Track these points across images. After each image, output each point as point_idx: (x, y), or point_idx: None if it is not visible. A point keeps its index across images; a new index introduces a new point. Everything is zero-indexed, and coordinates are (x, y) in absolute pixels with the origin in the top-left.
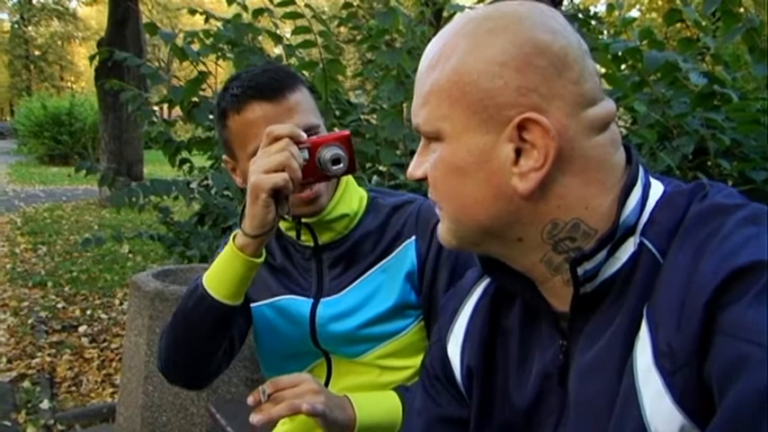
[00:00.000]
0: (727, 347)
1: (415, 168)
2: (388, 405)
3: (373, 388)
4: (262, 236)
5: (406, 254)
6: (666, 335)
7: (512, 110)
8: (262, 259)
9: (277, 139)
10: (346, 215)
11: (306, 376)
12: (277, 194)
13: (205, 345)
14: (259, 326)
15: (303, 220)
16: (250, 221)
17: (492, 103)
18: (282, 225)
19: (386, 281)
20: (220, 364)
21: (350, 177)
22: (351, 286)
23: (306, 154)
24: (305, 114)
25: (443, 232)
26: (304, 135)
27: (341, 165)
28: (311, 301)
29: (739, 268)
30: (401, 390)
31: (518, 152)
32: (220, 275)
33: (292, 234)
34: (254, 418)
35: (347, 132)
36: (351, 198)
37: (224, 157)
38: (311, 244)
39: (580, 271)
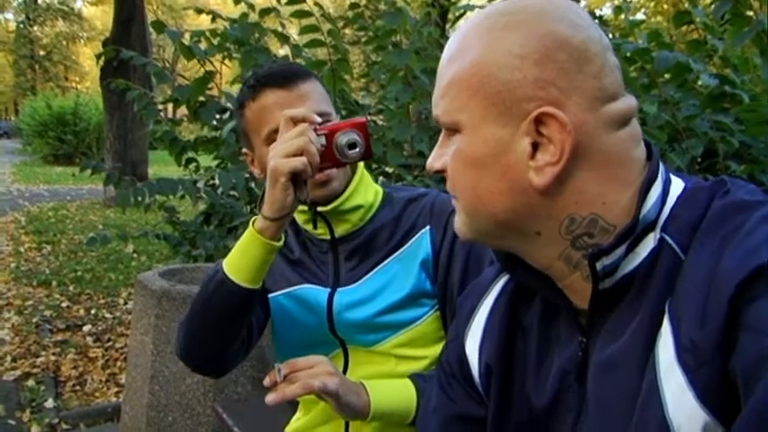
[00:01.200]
0: (753, 343)
1: (435, 160)
2: (402, 393)
3: (391, 377)
4: (281, 219)
5: (420, 243)
6: (689, 330)
7: (530, 103)
8: (281, 243)
9: (293, 120)
10: (361, 206)
11: (322, 358)
12: (296, 178)
13: (226, 328)
14: (277, 316)
15: (319, 209)
16: (270, 205)
17: (510, 96)
18: (299, 218)
19: (401, 270)
20: (239, 351)
21: (365, 172)
22: (366, 276)
23: (323, 140)
24: (317, 101)
25: (459, 224)
26: (318, 119)
27: (357, 149)
28: (328, 290)
29: (764, 264)
30: (416, 378)
31: (535, 146)
32: (240, 259)
33: (309, 227)
34: (269, 398)
35: (363, 119)
36: (366, 190)
37: (243, 150)
38: (328, 237)
39: (599, 266)
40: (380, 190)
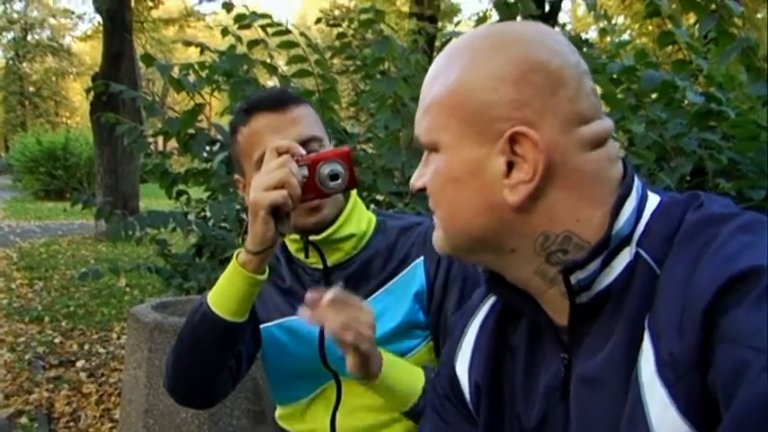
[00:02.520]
0: (729, 354)
1: (417, 179)
2: (411, 377)
3: (384, 410)
4: (263, 252)
5: (414, 274)
6: (668, 344)
7: (505, 123)
8: (265, 276)
9: (278, 152)
10: (354, 235)
11: (370, 309)
12: (276, 212)
13: (211, 361)
14: (268, 347)
15: (311, 238)
16: (251, 238)
17: (487, 116)
18: (291, 246)
19: (393, 301)
20: (226, 382)
21: (357, 200)
22: None
23: (305, 171)
24: (309, 126)
25: (438, 239)
26: (302, 151)
27: (338, 181)
28: None
29: (737, 274)
30: (428, 369)
31: (510, 165)
32: (223, 292)
33: (301, 255)
34: (305, 313)
35: (347, 148)
36: (359, 219)
37: (235, 176)
38: (320, 266)
39: (573, 280)
40: (373, 218)
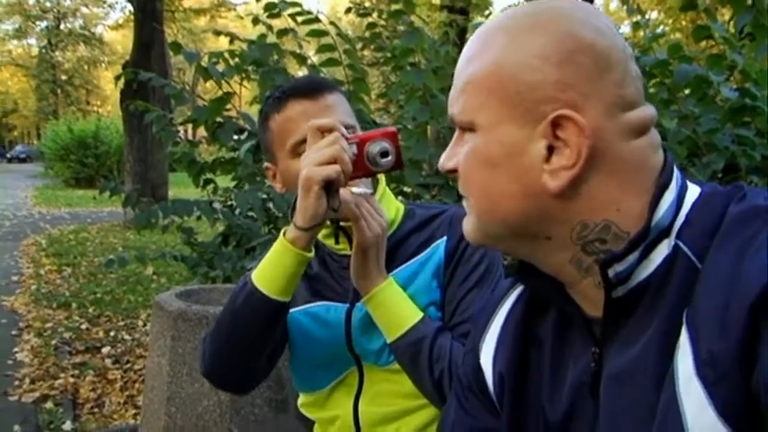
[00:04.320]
0: None
1: (447, 159)
2: (409, 306)
3: (406, 396)
4: (313, 228)
5: (435, 251)
6: (708, 342)
7: (548, 105)
8: (312, 254)
9: (321, 130)
10: None
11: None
12: (329, 187)
13: (254, 342)
14: (293, 333)
15: (342, 223)
16: (302, 214)
17: (529, 97)
18: (321, 232)
19: (413, 277)
20: (264, 367)
21: (386, 188)
22: None
23: (354, 149)
24: (342, 113)
25: (469, 227)
26: (344, 130)
27: (389, 158)
28: (347, 305)
29: None
30: (428, 319)
31: (551, 149)
32: (270, 271)
33: (330, 242)
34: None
35: (394, 129)
36: (388, 206)
37: (265, 164)
38: (348, 252)
39: (611, 273)
40: (402, 206)
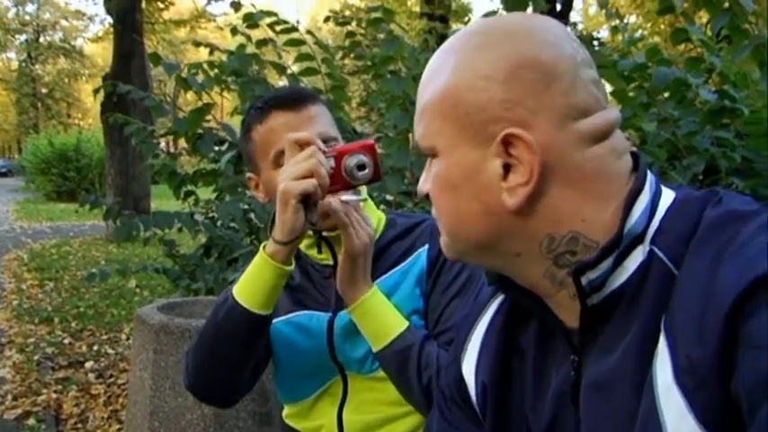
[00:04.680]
0: (754, 360)
1: (423, 184)
2: (395, 316)
3: (390, 404)
4: (291, 242)
5: (417, 260)
6: (686, 349)
7: (497, 125)
8: (292, 267)
9: (298, 143)
10: None
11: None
12: (306, 201)
13: (237, 356)
14: (276, 343)
15: (324, 233)
16: (280, 228)
17: (478, 118)
18: (303, 242)
19: (396, 286)
20: (248, 380)
21: (368, 199)
22: None
23: (332, 162)
24: (324, 125)
25: (443, 245)
26: (321, 144)
27: (366, 171)
28: (329, 314)
29: (762, 276)
30: (413, 327)
31: (507, 167)
32: (251, 285)
33: (312, 252)
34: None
35: (371, 141)
36: (370, 215)
37: (247, 174)
38: (330, 262)
39: (584, 281)
40: (383, 216)
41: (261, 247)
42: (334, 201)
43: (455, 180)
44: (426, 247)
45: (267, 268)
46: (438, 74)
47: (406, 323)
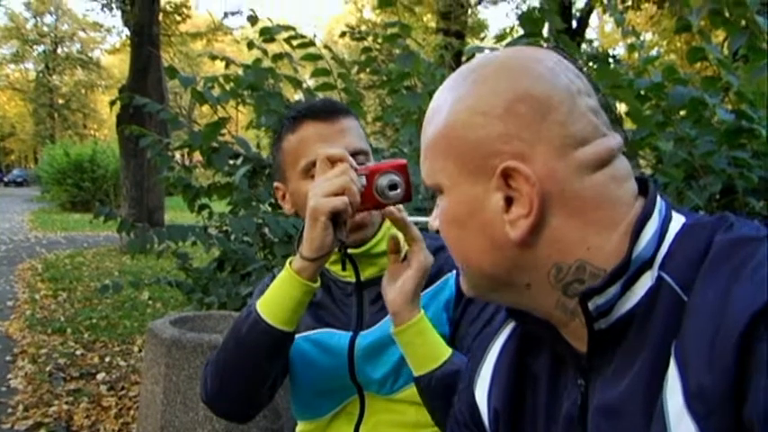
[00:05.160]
0: None
1: (433, 220)
2: (440, 342)
3: (407, 426)
4: (319, 259)
5: (445, 285)
6: (697, 374)
7: (496, 158)
8: (318, 284)
9: (330, 160)
10: None
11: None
12: (336, 218)
13: (258, 372)
14: (295, 360)
15: (349, 251)
16: (309, 245)
17: (477, 154)
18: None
19: (428, 310)
20: (267, 396)
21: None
22: (389, 316)
23: (363, 180)
24: (356, 138)
25: (461, 281)
26: (353, 161)
27: (398, 191)
28: (350, 333)
29: None
30: (456, 354)
31: (509, 200)
32: (276, 301)
33: (336, 268)
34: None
35: (404, 161)
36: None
37: (275, 184)
38: (353, 280)
39: (591, 306)
40: None
41: (287, 263)
42: (404, 215)
43: (460, 216)
44: (454, 272)
45: (293, 284)
46: (438, 112)
47: (448, 353)
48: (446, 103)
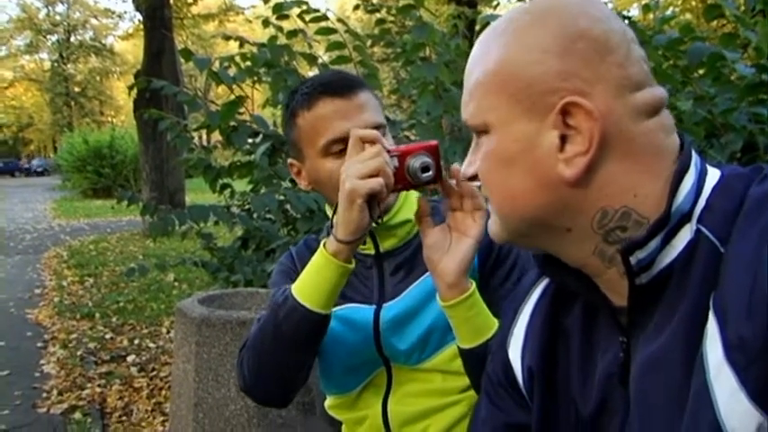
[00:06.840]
0: None
1: (467, 167)
2: (489, 316)
3: (435, 395)
4: (354, 241)
5: None
6: (736, 326)
7: (554, 95)
8: (353, 265)
9: (363, 141)
10: (408, 221)
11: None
12: (371, 200)
13: (298, 357)
14: None
15: None
16: (345, 227)
17: (534, 91)
18: None
19: None
20: (303, 378)
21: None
22: (411, 286)
23: (396, 161)
24: (373, 112)
25: (493, 226)
26: (385, 142)
27: (430, 173)
28: (374, 307)
29: None
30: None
31: (563, 139)
32: (312, 284)
33: None
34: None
35: (435, 142)
36: (412, 205)
37: (289, 161)
38: (372, 252)
39: (633, 260)
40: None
41: (321, 246)
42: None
43: (510, 155)
44: None
45: (330, 267)
46: (488, 53)
47: (495, 324)
48: (497, 44)
